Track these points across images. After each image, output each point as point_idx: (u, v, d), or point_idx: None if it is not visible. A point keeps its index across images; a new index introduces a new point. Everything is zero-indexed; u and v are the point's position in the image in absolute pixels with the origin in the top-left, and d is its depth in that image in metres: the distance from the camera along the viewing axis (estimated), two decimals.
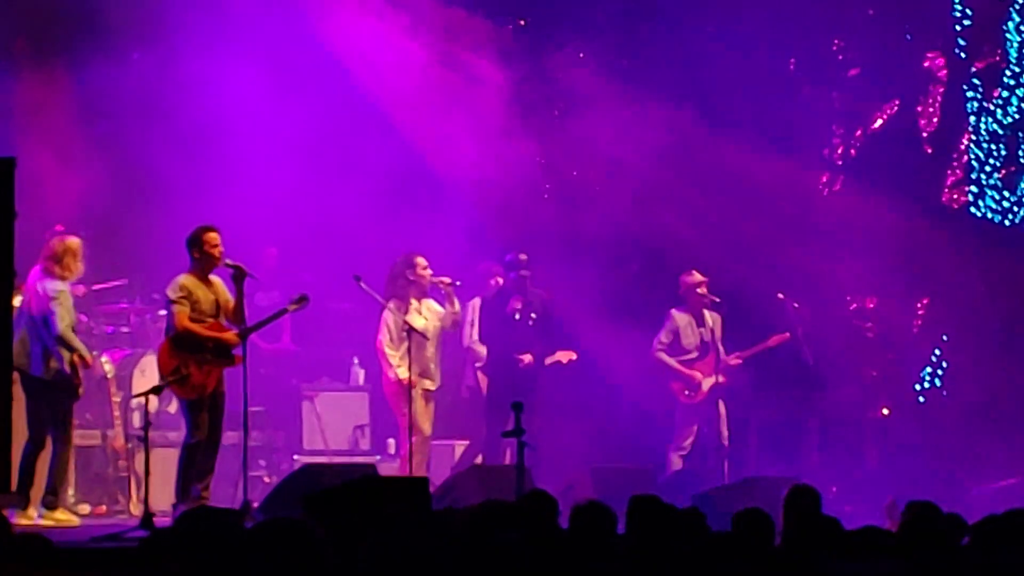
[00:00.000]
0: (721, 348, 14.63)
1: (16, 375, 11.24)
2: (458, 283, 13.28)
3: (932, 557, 6.51)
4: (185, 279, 11.50)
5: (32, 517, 11.48)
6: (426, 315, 13.25)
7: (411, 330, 12.86)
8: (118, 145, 14.28)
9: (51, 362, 11.66)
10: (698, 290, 14.50)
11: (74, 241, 11.89)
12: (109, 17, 13.97)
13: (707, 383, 14.56)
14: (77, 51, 14.04)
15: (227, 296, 11.61)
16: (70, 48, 13.82)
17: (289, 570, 4.36)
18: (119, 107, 14.27)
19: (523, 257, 13.85)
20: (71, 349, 11.69)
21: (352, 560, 5.59)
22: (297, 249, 14.91)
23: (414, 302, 13.24)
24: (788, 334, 14.94)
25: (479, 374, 14.38)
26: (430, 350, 13.28)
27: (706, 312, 14.61)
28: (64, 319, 11.70)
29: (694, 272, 14.62)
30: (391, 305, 13.16)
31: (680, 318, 14.69)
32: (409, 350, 12.83)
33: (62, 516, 11.74)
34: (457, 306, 13.30)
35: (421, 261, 13.23)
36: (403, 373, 13.02)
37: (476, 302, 14.47)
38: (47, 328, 11.63)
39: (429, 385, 13.35)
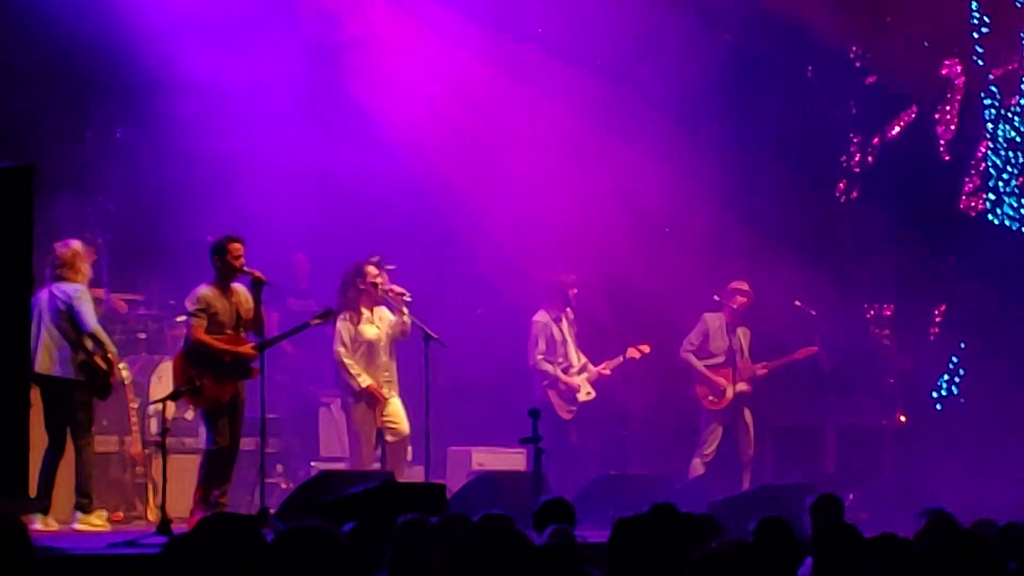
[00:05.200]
0: (748, 359, 14.70)
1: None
2: (408, 297, 12.91)
3: (949, 565, 6.49)
4: (205, 290, 11.48)
5: (53, 524, 11.45)
6: (378, 324, 12.97)
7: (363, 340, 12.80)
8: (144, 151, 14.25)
9: (84, 361, 11.63)
10: (739, 297, 14.52)
11: (78, 245, 11.92)
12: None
13: (731, 390, 14.57)
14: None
15: (248, 306, 11.55)
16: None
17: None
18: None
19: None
20: (102, 345, 11.70)
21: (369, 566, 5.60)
22: (330, 256, 14.62)
23: (365, 312, 12.93)
24: (816, 347, 14.95)
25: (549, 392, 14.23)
26: (382, 359, 12.97)
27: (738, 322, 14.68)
28: (93, 316, 11.74)
29: (744, 282, 14.64)
30: (344, 315, 12.89)
31: (712, 321, 14.71)
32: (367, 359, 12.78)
33: (97, 521, 11.72)
34: (406, 316, 12.82)
35: (372, 270, 12.88)
36: (364, 381, 12.83)
37: (542, 316, 14.35)
38: (76, 328, 11.61)
39: (385, 394, 12.94)
